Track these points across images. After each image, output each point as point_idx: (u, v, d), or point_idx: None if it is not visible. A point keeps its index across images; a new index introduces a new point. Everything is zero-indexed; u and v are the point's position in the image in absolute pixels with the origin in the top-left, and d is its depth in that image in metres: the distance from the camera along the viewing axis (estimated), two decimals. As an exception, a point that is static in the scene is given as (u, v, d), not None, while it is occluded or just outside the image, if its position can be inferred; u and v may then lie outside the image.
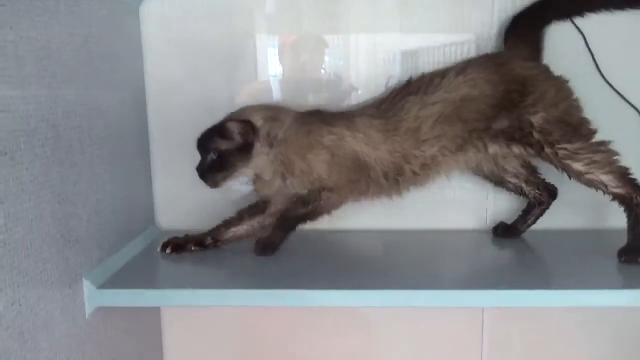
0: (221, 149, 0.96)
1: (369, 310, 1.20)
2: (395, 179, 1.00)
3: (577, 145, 0.94)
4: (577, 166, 0.94)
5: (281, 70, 1.13)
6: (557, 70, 1.01)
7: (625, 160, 0.95)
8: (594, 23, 1.05)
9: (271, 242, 0.98)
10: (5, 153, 0.63)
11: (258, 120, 0.97)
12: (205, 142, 0.97)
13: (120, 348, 0.96)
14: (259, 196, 1.05)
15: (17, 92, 0.65)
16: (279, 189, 1.00)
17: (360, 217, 1.15)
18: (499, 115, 0.96)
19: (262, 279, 0.88)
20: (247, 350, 1.24)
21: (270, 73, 1.12)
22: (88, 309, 0.82)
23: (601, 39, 1.07)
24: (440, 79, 0.98)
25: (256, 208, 1.04)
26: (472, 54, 1.10)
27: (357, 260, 1.02)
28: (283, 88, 1.12)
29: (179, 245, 1.00)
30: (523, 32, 1.05)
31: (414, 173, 0.99)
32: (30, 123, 0.68)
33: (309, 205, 0.98)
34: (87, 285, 0.81)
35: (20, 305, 0.66)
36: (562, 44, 1.07)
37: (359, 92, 1.12)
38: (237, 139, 0.96)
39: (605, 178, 0.94)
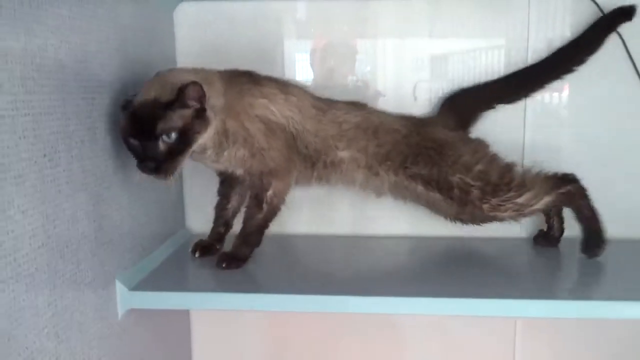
0: (180, 125, 0.78)
1: (399, 317, 1.19)
2: (312, 164, 0.97)
3: (499, 198, 0.95)
4: (506, 215, 0.97)
5: (311, 75, 1.13)
6: (596, 74, 0.98)
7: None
8: (634, 26, 1.02)
9: (238, 257, 0.93)
10: (45, 155, 0.64)
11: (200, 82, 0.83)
12: (151, 124, 0.76)
13: (150, 350, 0.96)
14: (216, 170, 1.00)
15: (57, 95, 0.67)
16: (220, 160, 0.90)
17: (387, 223, 1.14)
18: (417, 161, 0.97)
19: (291, 284, 0.87)
20: (275, 355, 1.24)
21: (298, 78, 1.12)
22: (120, 311, 0.83)
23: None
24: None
25: (227, 180, 1.01)
26: (503, 59, 1.08)
27: (386, 266, 1.01)
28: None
29: (206, 247, 1.00)
30: (459, 107, 1.07)
31: (325, 166, 0.97)
32: (69, 125, 0.69)
33: (262, 205, 0.92)
34: (119, 287, 0.82)
35: (56, 305, 0.67)
36: (601, 49, 1.04)
37: (385, 98, 1.11)
38: (194, 105, 0.80)
39: (538, 206, 0.96)
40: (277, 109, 0.92)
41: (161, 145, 0.77)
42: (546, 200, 0.96)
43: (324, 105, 0.98)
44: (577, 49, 1.04)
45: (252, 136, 0.89)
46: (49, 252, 0.65)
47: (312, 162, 0.97)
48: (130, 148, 0.79)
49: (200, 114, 0.80)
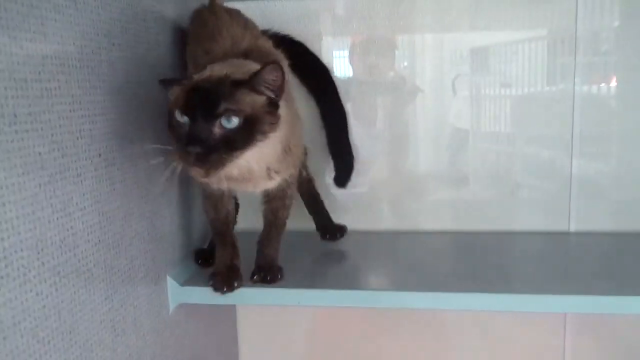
0: (248, 112, 0.65)
1: (443, 313, 1.17)
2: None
3: None
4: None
5: (350, 71, 1.12)
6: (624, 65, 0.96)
7: None
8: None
9: (275, 265, 0.85)
10: (100, 154, 0.66)
11: (283, 62, 0.75)
12: (212, 100, 0.63)
13: (198, 344, 0.99)
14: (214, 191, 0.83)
15: (110, 97, 0.69)
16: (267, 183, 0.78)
17: (429, 218, 1.13)
18: None
19: (335, 279, 0.88)
20: (320, 349, 1.25)
21: (336, 74, 1.12)
22: (171, 305, 0.85)
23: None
24: None
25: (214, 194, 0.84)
26: (545, 50, 1.06)
27: (430, 262, 0.99)
28: (348, 89, 1.11)
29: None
30: None
31: None
32: (122, 126, 0.72)
33: (286, 200, 0.84)
34: (171, 283, 0.84)
35: (112, 300, 0.69)
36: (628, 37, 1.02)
37: (424, 93, 1.10)
38: (269, 94, 0.67)
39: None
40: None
41: (217, 130, 0.64)
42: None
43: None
44: None
45: (300, 138, 0.81)
46: (105, 248, 0.67)
47: None
48: (175, 127, 0.65)
49: (273, 108, 0.68)
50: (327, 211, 1.06)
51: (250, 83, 0.66)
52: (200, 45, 0.83)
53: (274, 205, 0.85)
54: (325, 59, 1.11)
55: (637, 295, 0.77)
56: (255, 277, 0.82)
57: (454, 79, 1.09)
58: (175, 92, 0.67)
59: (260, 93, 0.66)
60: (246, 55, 0.77)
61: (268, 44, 0.85)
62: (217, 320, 1.12)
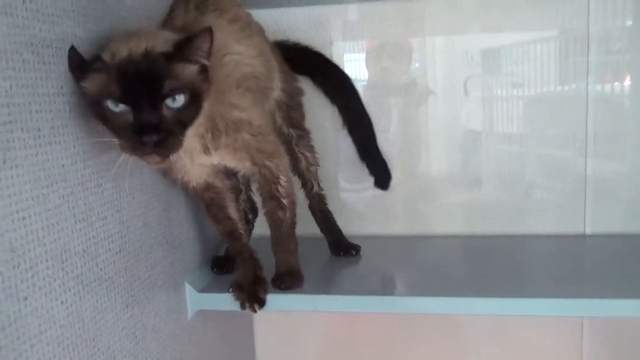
0: (189, 85, 0.61)
1: (460, 318, 1.17)
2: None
3: None
4: None
5: (365, 75, 1.13)
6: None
7: None
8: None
9: (293, 271, 0.84)
10: (119, 165, 0.67)
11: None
12: (154, 82, 0.59)
13: (216, 350, 1.00)
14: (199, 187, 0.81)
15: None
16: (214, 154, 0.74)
17: (442, 222, 1.13)
18: None
19: (351, 284, 0.88)
20: (336, 355, 1.25)
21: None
22: (190, 312, 0.86)
23: None
24: None
25: (216, 201, 0.83)
26: (557, 50, 1.05)
27: (445, 266, 0.99)
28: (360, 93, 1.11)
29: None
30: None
31: None
32: (140, 136, 0.73)
33: (282, 201, 0.82)
34: (189, 289, 0.85)
35: (133, 307, 0.70)
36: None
37: (436, 95, 1.10)
38: (202, 61, 0.63)
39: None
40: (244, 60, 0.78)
41: (165, 112, 0.59)
42: None
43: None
44: None
45: (245, 111, 0.74)
46: (126, 256, 0.69)
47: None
48: (111, 118, 0.59)
49: (205, 75, 0.64)
50: (339, 228, 1.04)
51: (184, 54, 0.61)
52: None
53: (269, 207, 0.83)
54: (338, 63, 1.12)
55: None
56: (274, 284, 0.83)
57: (466, 80, 1.10)
58: (96, 79, 0.58)
59: (194, 62, 0.62)
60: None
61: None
62: (234, 326, 1.14)
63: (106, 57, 0.59)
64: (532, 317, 1.07)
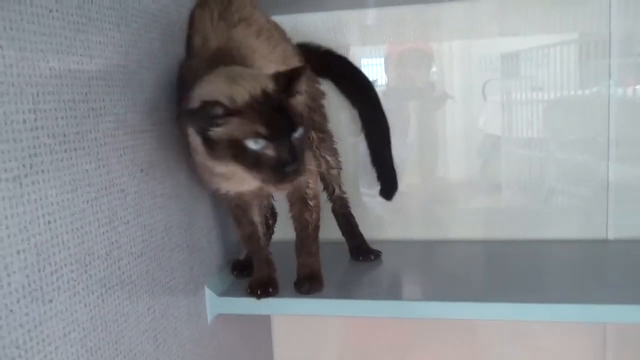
0: (303, 113, 0.72)
1: (478, 323, 1.16)
2: None
3: None
4: None
5: (381, 79, 1.13)
6: None
7: None
8: None
9: (315, 274, 0.86)
10: (142, 170, 0.69)
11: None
12: (292, 117, 0.66)
13: (235, 354, 1.00)
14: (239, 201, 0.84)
15: (150, 114, 0.71)
16: None
17: (460, 227, 1.13)
18: None
19: (371, 289, 0.88)
20: (354, 359, 1.25)
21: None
22: (210, 316, 0.87)
23: None
24: None
25: (241, 204, 0.85)
26: (577, 53, 1.05)
27: (463, 271, 0.99)
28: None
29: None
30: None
31: None
32: (162, 142, 0.74)
33: (308, 203, 0.84)
34: (209, 293, 0.86)
35: (154, 311, 0.71)
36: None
37: (454, 99, 1.10)
38: (302, 92, 0.73)
39: None
40: None
41: (295, 142, 0.66)
42: None
43: None
44: None
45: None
46: (148, 260, 0.70)
47: None
48: (250, 154, 0.65)
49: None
50: (360, 232, 1.03)
51: (294, 90, 0.68)
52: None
53: (297, 209, 0.85)
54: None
55: None
56: (296, 288, 0.85)
57: (484, 84, 1.09)
58: (232, 123, 0.65)
59: (300, 94, 0.70)
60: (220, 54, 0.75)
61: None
62: (253, 330, 1.14)
63: (225, 102, 0.64)
64: (553, 323, 1.06)
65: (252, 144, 0.64)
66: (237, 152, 0.65)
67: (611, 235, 1.07)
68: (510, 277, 0.92)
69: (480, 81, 1.09)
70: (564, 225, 1.09)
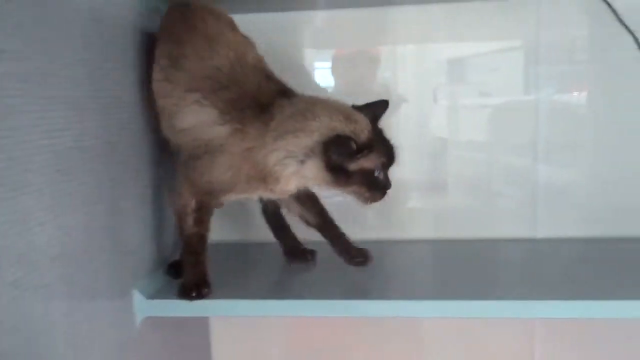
0: None
1: (419, 321, 1.19)
2: None
3: None
4: None
5: (332, 82, 1.14)
6: (608, 72, 1.00)
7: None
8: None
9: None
10: (59, 170, 0.66)
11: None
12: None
13: (169, 358, 0.98)
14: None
15: (72, 113, 0.69)
16: None
17: (411, 226, 1.15)
18: None
19: (309, 289, 0.88)
20: (295, 361, 1.25)
21: (317, 86, 1.14)
22: (138, 319, 0.85)
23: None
24: None
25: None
26: (519, 60, 1.09)
27: (408, 270, 1.01)
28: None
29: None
30: None
31: None
32: (85, 140, 0.72)
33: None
34: (137, 296, 0.84)
35: (73, 315, 0.69)
36: (612, 46, 1.05)
37: (408, 103, 1.12)
38: None
39: None
40: None
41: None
42: None
43: None
44: None
45: None
46: (65, 263, 0.67)
47: None
48: (372, 181, 0.82)
49: None
50: (293, 233, 1.03)
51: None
52: (185, 49, 0.84)
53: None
54: (306, 70, 1.13)
55: (604, 299, 0.79)
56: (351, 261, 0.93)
57: (435, 88, 1.11)
58: (370, 156, 0.80)
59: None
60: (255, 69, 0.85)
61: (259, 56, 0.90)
62: (189, 334, 1.12)
63: (355, 137, 0.78)
64: (491, 320, 1.09)
65: (378, 172, 0.81)
66: (365, 179, 0.80)
67: (542, 234, 1.11)
68: (451, 275, 0.94)
69: (432, 85, 1.11)
70: (504, 225, 1.14)
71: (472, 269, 0.98)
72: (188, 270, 0.85)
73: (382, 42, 1.11)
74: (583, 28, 1.07)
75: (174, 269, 0.93)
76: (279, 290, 0.89)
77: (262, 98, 0.80)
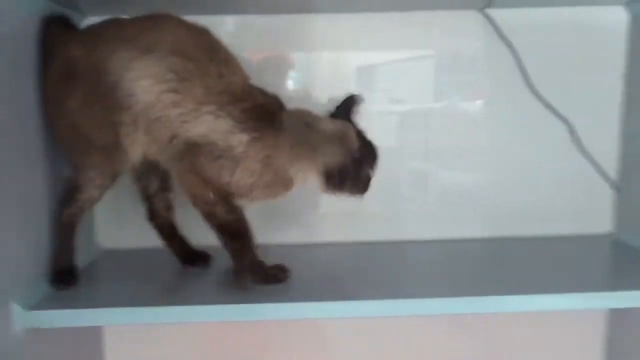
0: None
1: (326, 322, 1.20)
2: None
3: None
4: None
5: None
6: (490, 83, 1.08)
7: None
8: (524, 37, 1.12)
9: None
10: None
11: None
12: None
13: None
14: None
15: None
16: None
17: (326, 230, 1.18)
18: None
19: (202, 294, 0.87)
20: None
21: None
22: (16, 332, 0.79)
23: (530, 52, 1.13)
24: None
25: None
26: (432, 69, 1.15)
27: (309, 273, 1.00)
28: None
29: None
30: None
31: None
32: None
33: None
34: (14, 308, 0.79)
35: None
36: (493, 58, 1.13)
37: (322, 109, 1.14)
38: None
39: None
40: None
41: None
42: None
43: None
44: None
45: None
46: None
47: None
48: (362, 177, 0.91)
49: None
50: (183, 236, 1.02)
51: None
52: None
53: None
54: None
55: (504, 294, 0.84)
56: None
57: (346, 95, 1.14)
58: (363, 166, 0.91)
59: None
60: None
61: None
62: (81, 345, 1.07)
63: (351, 155, 0.89)
64: (396, 318, 1.13)
65: (369, 172, 0.91)
66: (358, 182, 0.91)
67: (445, 236, 1.18)
68: (357, 277, 0.96)
69: (343, 92, 1.13)
70: (413, 227, 1.19)
71: (380, 269, 1.01)
72: (58, 257, 0.90)
73: (295, 48, 1.13)
74: (474, 41, 1.14)
75: (59, 278, 0.89)
76: (173, 297, 0.88)
77: (271, 108, 0.88)
